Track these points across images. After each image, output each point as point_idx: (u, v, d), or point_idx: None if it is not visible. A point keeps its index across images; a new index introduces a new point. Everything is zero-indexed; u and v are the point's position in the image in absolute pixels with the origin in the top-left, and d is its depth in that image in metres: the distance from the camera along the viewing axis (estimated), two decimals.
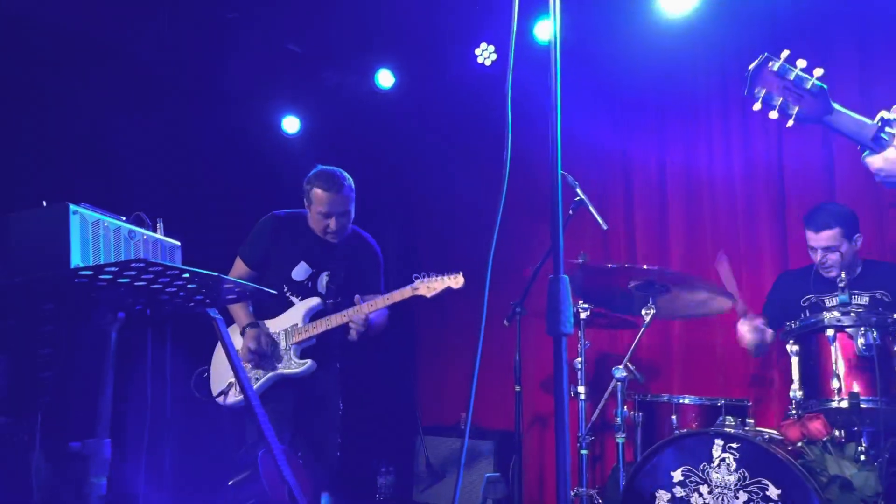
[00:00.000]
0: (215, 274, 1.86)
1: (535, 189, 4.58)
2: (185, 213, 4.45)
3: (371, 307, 3.13)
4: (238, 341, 3.27)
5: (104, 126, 4.19)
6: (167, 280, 1.86)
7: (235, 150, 4.92)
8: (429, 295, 3.16)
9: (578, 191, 3.21)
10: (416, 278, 3.19)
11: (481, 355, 1.63)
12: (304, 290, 3.30)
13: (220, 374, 3.29)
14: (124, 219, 2.06)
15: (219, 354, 3.32)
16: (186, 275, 1.85)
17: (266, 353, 3.21)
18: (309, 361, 3.22)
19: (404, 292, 3.16)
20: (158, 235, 2.13)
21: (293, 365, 3.21)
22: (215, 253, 3.45)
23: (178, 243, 2.19)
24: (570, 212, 3.29)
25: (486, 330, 1.76)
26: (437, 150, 5.31)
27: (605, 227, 3.19)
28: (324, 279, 3.30)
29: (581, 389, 3.30)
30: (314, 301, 3.26)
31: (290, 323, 3.25)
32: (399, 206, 5.47)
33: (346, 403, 3.44)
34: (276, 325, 3.28)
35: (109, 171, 4.14)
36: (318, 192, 3.17)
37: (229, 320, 3.36)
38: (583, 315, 3.38)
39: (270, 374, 3.22)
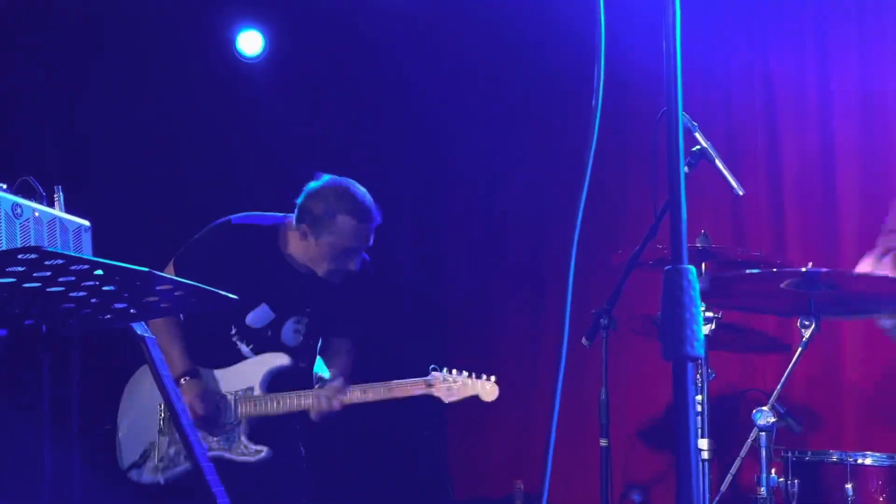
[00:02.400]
0: (145, 270, 1.84)
1: (619, 141, 4.56)
2: (97, 179, 4.52)
3: (364, 395, 3.34)
4: (150, 387, 3.28)
5: None
6: (72, 280, 1.85)
7: (170, 81, 4.95)
8: (447, 400, 3.40)
9: (699, 136, 3.17)
10: (434, 371, 3.39)
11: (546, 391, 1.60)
12: (261, 341, 3.43)
13: (136, 429, 3.35)
14: (4, 186, 2.06)
15: (132, 397, 3.37)
16: (100, 271, 1.83)
17: (216, 422, 3.34)
18: (264, 450, 3.36)
19: (413, 387, 3.37)
20: (57, 212, 2.13)
21: (242, 448, 3.35)
22: (144, 238, 3.46)
23: (88, 224, 2.20)
24: (686, 168, 3.26)
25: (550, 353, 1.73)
26: (454, 81, 5.33)
27: (739, 193, 3.15)
28: (291, 328, 3.46)
29: (703, 444, 3.28)
30: (279, 360, 3.40)
31: (243, 384, 3.38)
32: (405, 168, 5.49)
33: (340, 480, 3.49)
34: (224, 381, 3.39)
35: None
36: (346, 221, 3.29)
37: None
38: (705, 329, 3.35)
39: (211, 452, 3.34)
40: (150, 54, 4.88)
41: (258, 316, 3.41)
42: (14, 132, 4.21)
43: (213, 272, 3.24)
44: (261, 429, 3.38)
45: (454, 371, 3.44)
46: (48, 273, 1.80)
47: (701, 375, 3.37)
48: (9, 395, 2.10)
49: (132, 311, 2.15)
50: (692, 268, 1.50)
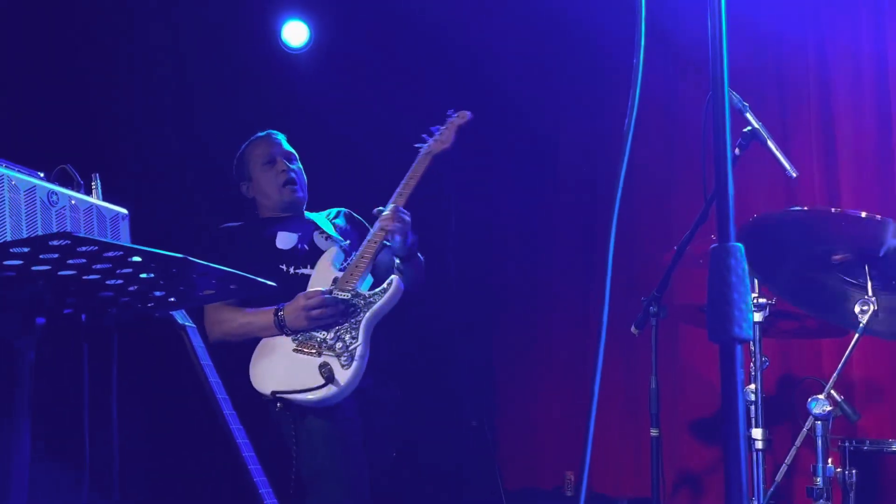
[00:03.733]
0: (181, 256, 1.83)
1: (664, 127, 4.50)
2: (136, 167, 4.55)
3: (401, 197, 3.49)
4: (271, 352, 3.32)
5: (5, 28, 4.27)
6: (108, 267, 1.84)
7: (212, 72, 4.97)
8: (449, 144, 3.64)
9: (750, 117, 3.12)
10: (419, 146, 3.65)
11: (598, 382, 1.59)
12: (305, 255, 3.54)
13: (294, 363, 3.31)
14: (42, 175, 2.06)
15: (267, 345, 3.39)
16: (138, 258, 1.83)
17: (336, 302, 3.32)
18: (393, 279, 3.36)
19: (421, 163, 3.59)
20: (94, 199, 2.13)
21: (375, 297, 3.34)
22: (183, 226, 3.47)
23: (125, 212, 2.19)
24: (737, 150, 3.20)
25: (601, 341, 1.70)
26: (509, 68, 5.29)
27: (793, 175, 3.09)
28: (319, 237, 3.64)
29: (757, 433, 3.27)
30: (333, 250, 3.54)
31: (328, 282, 3.41)
32: (455, 161, 5.46)
33: (391, 468, 3.46)
34: (314, 286, 3.44)
35: (17, 102, 4.21)
36: (249, 149, 3.72)
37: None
38: (757, 315, 3.30)
39: (362, 325, 3.30)
40: (191, 44, 4.90)
41: (284, 239, 3.57)
42: (53, 119, 4.24)
43: (229, 259, 3.41)
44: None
45: (432, 130, 3.70)
46: (83, 260, 1.80)
47: (755, 363, 3.35)
48: (49, 385, 2.10)
49: (171, 299, 2.14)
50: (740, 245, 1.47)
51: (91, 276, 1.88)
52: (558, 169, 5.46)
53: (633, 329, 3.51)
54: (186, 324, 2.34)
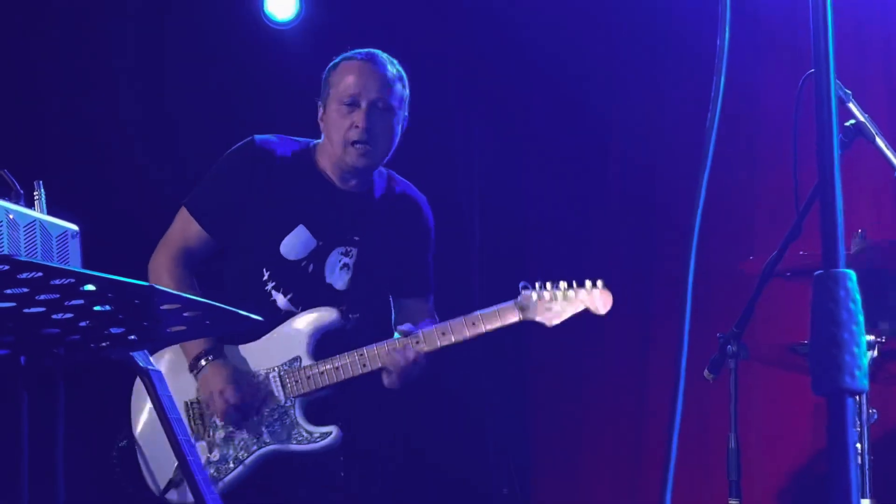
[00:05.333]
0: (146, 284, 1.84)
1: (751, 112, 4.49)
2: (89, 172, 4.55)
3: (444, 336, 3.29)
4: (186, 387, 3.35)
5: None
6: (55, 298, 1.85)
7: (183, 49, 5.02)
8: (550, 324, 3.31)
9: (854, 108, 3.11)
10: (525, 289, 3.31)
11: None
12: (301, 284, 3.42)
13: (163, 438, 3.33)
14: None
15: (145, 399, 3.32)
16: (90, 286, 1.82)
17: (258, 410, 3.32)
18: (333, 431, 3.31)
19: (504, 314, 3.30)
20: (38, 213, 2.14)
21: (301, 436, 3.32)
22: (146, 246, 3.48)
23: (76, 228, 2.21)
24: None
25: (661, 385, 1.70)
26: (516, 47, 5.31)
27: None
28: (337, 261, 3.47)
29: None
30: (326, 315, 3.38)
31: (285, 355, 3.35)
32: (458, 144, 5.47)
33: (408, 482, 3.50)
34: (259, 357, 3.37)
35: None
36: (339, 71, 3.48)
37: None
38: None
39: (265, 447, 3.33)
40: (158, 16, 4.93)
41: (295, 242, 3.43)
42: None
43: (241, 198, 3.43)
44: (323, 406, 3.38)
45: (549, 284, 3.36)
46: (24, 290, 1.80)
47: (860, 417, 3.31)
48: None
49: (131, 336, 2.16)
50: (851, 272, 1.46)
51: (33, 309, 1.90)
52: (608, 171, 5.45)
53: (706, 373, 3.50)
54: (150, 368, 2.35)
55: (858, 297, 1.46)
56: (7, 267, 1.70)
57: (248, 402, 3.30)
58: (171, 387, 3.12)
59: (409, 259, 3.58)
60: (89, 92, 4.72)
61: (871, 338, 3.40)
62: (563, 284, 3.35)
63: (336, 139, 3.43)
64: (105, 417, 3.67)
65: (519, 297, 3.32)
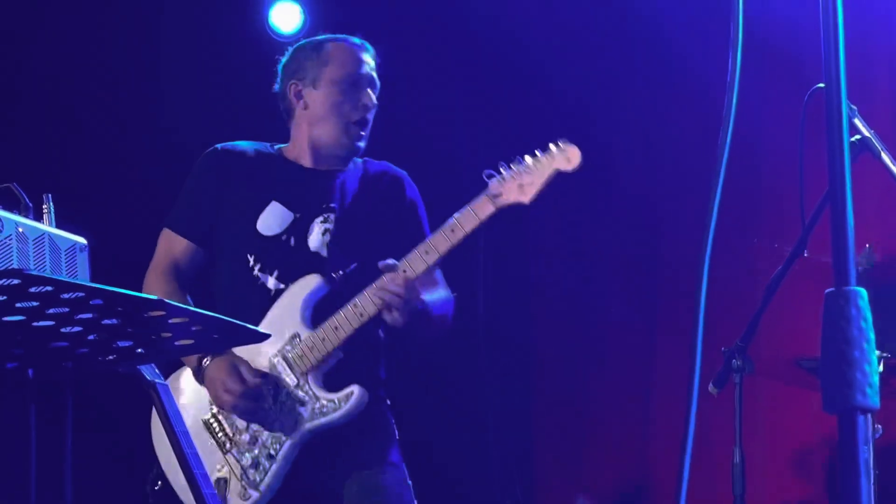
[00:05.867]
0: (155, 298, 1.84)
1: (756, 121, 4.49)
2: (97, 186, 4.56)
3: (427, 255, 3.18)
4: (186, 402, 3.25)
5: None
6: (64, 311, 1.84)
7: (188, 63, 5.03)
8: (528, 199, 3.18)
9: (859, 123, 3.12)
10: (491, 176, 3.19)
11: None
12: (285, 258, 3.34)
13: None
14: None
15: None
16: (99, 300, 1.82)
17: (263, 392, 3.18)
18: (354, 389, 3.18)
19: (479, 209, 3.17)
20: (46, 226, 2.15)
21: (324, 407, 3.18)
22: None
23: (84, 241, 2.21)
24: None
25: (668, 403, 1.69)
26: (520, 58, 5.29)
27: None
28: (320, 230, 3.39)
29: None
30: (312, 281, 3.29)
31: (283, 335, 3.24)
32: (463, 156, 5.48)
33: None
34: (259, 347, 3.22)
35: None
36: (331, 50, 3.43)
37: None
38: None
39: (295, 434, 3.18)
40: (163, 31, 4.95)
41: (271, 218, 3.37)
42: None
43: (211, 205, 3.40)
44: (338, 372, 3.24)
45: (513, 163, 3.21)
46: (34, 303, 1.79)
47: (867, 430, 3.32)
48: None
49: (139, 350, 2.15)
50: (862, 291, 1.47)
51: (43, 323, 1.88)
52: (612, 178, 5.45)
53: (710, 388, 3.51)
54: (157, 381, 2.35)
55: (869, 315, 1.47)
56: (18, 281, 1.70)
57: (256, 386, 3.16)
58: (183, 412, 2.98)
59: (400, 230, 3.44)
60: (97, 106, 4.73)
61: (877, 353, 3.41)
62: (526, 158, 3.20)
63: (334, 118, 3.36)
64: (115, 428, 3.67)
65: (487, 187, 3.19)
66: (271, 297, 3.32)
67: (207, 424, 3.24)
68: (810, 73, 1.65)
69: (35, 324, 1.89)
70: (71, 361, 2.11)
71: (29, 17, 4.58)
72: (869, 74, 4.52)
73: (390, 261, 3.18)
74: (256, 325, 3.20)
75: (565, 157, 3.15)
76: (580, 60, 5.34)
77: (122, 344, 2.08)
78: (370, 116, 3.41)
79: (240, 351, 3.24)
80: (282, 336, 3.23)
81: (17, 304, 1.79)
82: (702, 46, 4.61)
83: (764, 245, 3.40)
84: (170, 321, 2.01)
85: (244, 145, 3.51)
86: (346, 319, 3.18)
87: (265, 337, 2.11)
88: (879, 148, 3.15)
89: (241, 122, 5.04)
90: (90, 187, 4.52)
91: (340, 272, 3.33)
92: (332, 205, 3.40)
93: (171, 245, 3.43)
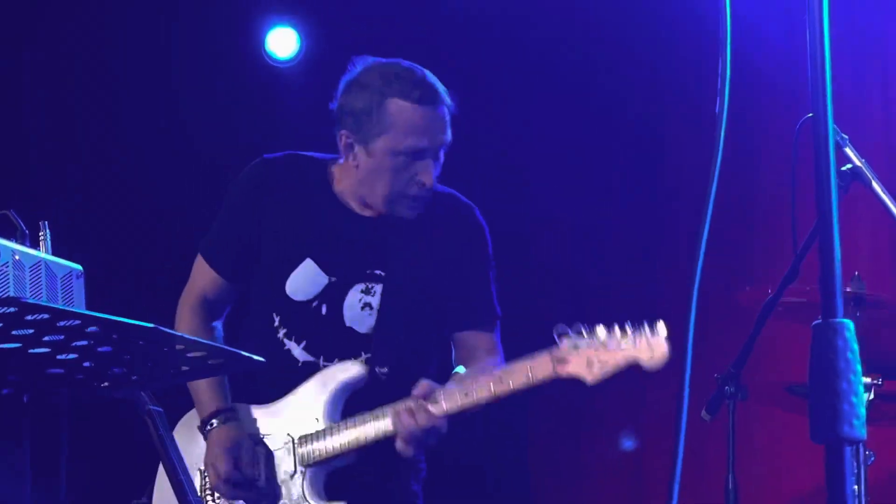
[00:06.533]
0: (151, 326, 1.84)
1: (748, 154, 4.51)
2: (93, 212, 4.56)
3: (464, 397, 2.85)
4: (195, 448, 3.10)
5: None
6: (60, 339, 1.85)
7: (185, 89, 5.05)
8: (592, 380, 2.82)
9: (850, 152, 3.13)
10: (563, 335, 2.83)
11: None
12: (315, 328, 3.06)
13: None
14: None
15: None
16: (94, 327, 1.83)
17: (254, 483, 2.98)
18: None
19: (536, 368, 2.83)
20: (43, 253, 2.15)
21: None
22: (150, 285, 3.48)
23: (80, 268, 2.20)
24: None
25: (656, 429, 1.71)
26: (513, 82, 5.32)
27: None
28: (357, 300, 3.06)
29: None
30: (350, 372, 2.99)
31: (303, 418, 3.00)
32: (461, 179, 5.47)
33: None
34: (277, 420, 3.03)
35: None
36: (402, 105, 2.92)
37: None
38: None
39: None
40: (162, 55, 4.96)
41: (301, 280, 3.05)
42: None
43: (245, 241, 3.10)
44: (335, 476, 3.02)
45: (598, 329, 2.84)
46: (30, 331, 1.80)
47: (857, 459, 3.32)
48: None
49: (134, 377, 2.15)
50: (849, 322, 1.48)
51: (39, 350, 1.89)
52: (605, 212, 5.47)
53: (703, 414, 3.50)
54: (152, 407, 2.34)
55: (856, 346, 1.48)
56: (14, 309, 1.71)
57: (246, 474, 2.97)
58: (186, 452, 2.87)
59: (460, 282, 3.11)
60: (94, 133, 4.74)
61: (868, 380, 3.41)
62: (605, 333, 2.84)
63: (389, 190, 2.97)
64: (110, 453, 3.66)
65: (555, 347, 2.85)
66: (298, 368, 3.07)
67: (202, 475, 3.08)
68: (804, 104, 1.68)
69: (31, 351, 1.89)
70: (66, 388, 2.12)
71: (27, 46, 4.59)
72: (861, 103, 4.54)
73: (428, 386, 2.87)
74: (281, 392, 3.07)
75: (650, 350, 2.78)
76: (579, 61, 5.35)
77: (117, 371, 2.08)
78: (430, 190, 2.99)
79: (252, 422, 3.05)
80: (302, 418, 3.01)
81: (14, 332, 1.80)
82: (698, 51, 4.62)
83: (756, 290, 3.40)
84: (165, 349, 2.02)
85: (291, 162, 3.16)
86: (365, 431, 2.93)
87: (260, 364, 2.10)
88: (870, 177, 3.15)
89: (239, 147, 5.06)
90: (88, 214, 4.52)
91: (386, 368, 3.05)
92: (378, 271, 3.07)
93: (203, 274, 3.17)
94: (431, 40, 5.35)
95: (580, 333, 2.85)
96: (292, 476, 3.00)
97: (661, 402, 4.93)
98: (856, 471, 3.37)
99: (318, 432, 2.99)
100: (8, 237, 2.12)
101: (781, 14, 4.31)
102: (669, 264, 5.03)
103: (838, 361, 1.46)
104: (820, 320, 1.48)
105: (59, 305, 1.87)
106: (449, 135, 3.00)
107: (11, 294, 2.03)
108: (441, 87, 3.00)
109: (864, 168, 3.15)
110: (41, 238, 2.21)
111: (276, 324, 3.09)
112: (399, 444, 2.89)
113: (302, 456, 3.00)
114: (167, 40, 5.03)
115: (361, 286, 3.07)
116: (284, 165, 3.15)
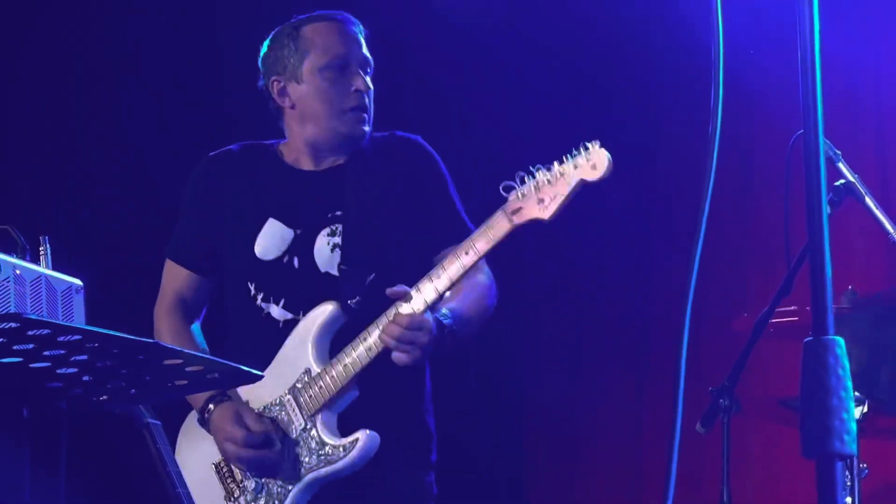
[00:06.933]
0: (151, 341, 1.86)
1: (742, 171, 4.53)
2: (93, 226, 4.56)
3: (440, 279, 2.82)
4: (204, 444, 3.04)
5: None
6: (60, 353, 1.86)
7: (181, 97, 5.05)
8: (548, 216, 2.78)
9: (844, 167, 3.14)
10: (509, 188, 2.81)
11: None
12: (287, 280, 3.07)
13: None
14: None
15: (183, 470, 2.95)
16: (95, 343, 1.84)
17: (272, 441, 2.96)
18: (359, 436, 2.90)
19: (496, 226, 2.81)
20: (43, 268, 2.17)
21: (328, 455, 2.89)
22: (148, 300, 3.49)
23: (80, 283, 2.22)
24: (828, 208, 3.22)
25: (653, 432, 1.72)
26: (511, 89, 5.30)
27: None
28: (327, 245, 3.08)
29: None
30: (326, 310, 2.99)
31: (295, 372, 2.98)
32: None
33: None
34: (272, 386, 2.98)
35: None
36: (309, 34, 3.07)
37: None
38: (856, 413, 3.30)
39: (300, 482, 2.95)
40: (161, 67, 4.97)
41: (269, 238, 3.09)
42: None
43: (206, 228, 3.17)
44: (353, 411, 2.97)
45: (534, 171, 2.80)
46: (32, 346, 1.81)
47: (851, 472, 3.32)
48: None
49: (132, 391, 2.16)
50: (839, 339, 1.50)
51: (39, 364, 1.90)
52: (600, 218, 5.47)
53: (698, 427, 3.50)
54: (150, 420, 2.36)
55: (847, 362, 1.50)
56: (17, 325, 1.73)
57: (262, 436, 2.94)
58: (196, 453, 2.98)
59: (423, 206, 3.13)
60: (91, 146, 4.74)
61: (860, 393, 3.42)
62: (547, 167, 2.79)
63: (329, 109, 3.04)
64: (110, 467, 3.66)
65: (506, 202, 2.83)
66: (280, 329, 3.07)
67: (218, 468, 3.05)
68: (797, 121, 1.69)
69: (31, 365, 1.90)
70: (65, 401, 2.12)
71: (23, 60, 4.60)
72: (854, 119, 4.56)
73: (398, 287, 2.85)
74: (268, 359, 3.03)
75: (590, 164, 2.72)
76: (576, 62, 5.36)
77: (116, 385, 2.08)
78: (368, 101, 3.07)
79: (248, 389, 3.00)
80: (294, 372, 2.98)
81: (15, 347, 1.82)
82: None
83: (752, 318, 3.41)
84: (164, 363, 2.03)
85: (236, 150, 3.24)
86: (356, 355, 2.90)
87: (260, 378, 2.11)
88: (863, 192, 3.16)
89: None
90: (87, 228, 4.52)
91: (357, 298, 3.03)
92: (338, 213, 3.10)
93: (174, 276, 3.22)
94: (425, 46, 5.36)
95: (522, 180, 2.82)
96: (304, 429, 2.96)
97: (658, 404, 4.95)
98: (850, 483, 3.37)
99: (313, 379, 2.96)
100: (9, 252, 2.14)
101: (774, 30, 4.33)
102: (665, 277, 5.04)
103: (829, 378, 1.47)
104: (811, 337, 1.50)
105: (60, 321, 1.88)
106: (368, 53, 3.10)
107: (12, 308, 2.04)
108: (350, 16, 3.14)
109: (857, 183, 3.15)
110: (41, 253, 2.22)
111: (253, 292, 3.10)
112: (395, 356, 2.85)
113: (305, 407, 2.97)
114: (167, 52, 5.02)
115: (327, 230, 3.09)
116: (229, 154, 3.23)
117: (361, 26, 3.15)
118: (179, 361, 2.04)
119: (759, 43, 4.08)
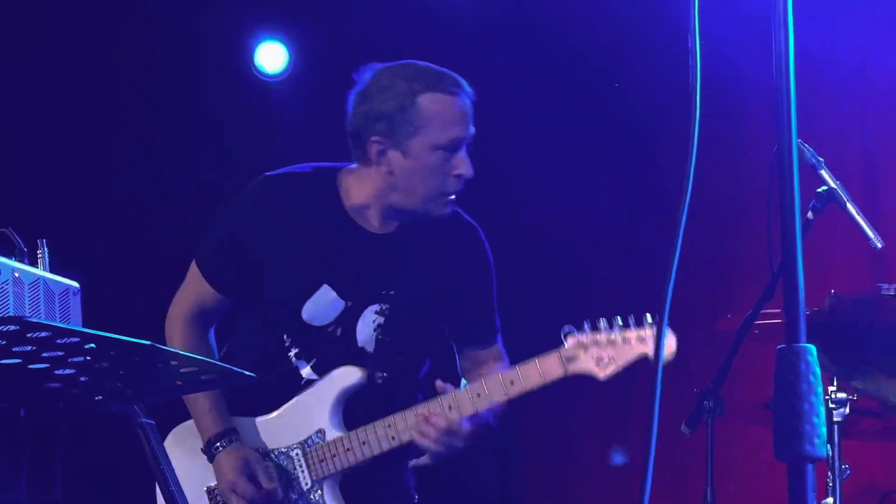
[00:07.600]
0: (147, 343, 1.88)
1: (727, 178, 4.54)
2: (90, 229, 4.57)
3: (476, 399, 2.84)
4: (193, 463, 3.03)
5: None
6: (59, 355, 1.88)
7: (173, 105, 5.07)
8: (603, 376, 2.83)
9: (826, 174, 3.17)
10: (570, 335, 2.84)
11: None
12: (324, 346, 3.02)
13: None
14: None
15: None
16: (92, 344, 1.86)
17: (274, 498, 2.93)
18: None
19: (546, 367, 2.82)
20: (41, 271, 2.18)
21: None
22: (144, 301, 3.49)
23: (77, 285, 2.23)
24: (809, 215, 3.26)
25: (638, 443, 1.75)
26: (504, 98, 5.32)
27: (878, 245, 3.14)
28: (372, 322, 3.02)
29: None
30: (352, 376, 2.96)
31: (308, 428, 2.96)
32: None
33: None
34: (279, 432, 2.99)
35: None
36: (435, 98, 2.86)
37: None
38: (836, 416, 3.33)
39: None
40: (149, 72, 4.98)
41: (319, 306, 3.00)
42: None
43: (248, 260, 3.03)
44: (355, 484, 2.99)
45: (600, 323, 2.85)
46: (30, 347, 1.83)
47: (832, 472, 3.36)
48: None
49: (128, 391, 2.16)
50: (811, 347, 1.53)
51: (37, 366, 1.92)
52: (587, 233, 5.48)
53: (683, 428, 3.51)
54: (144, 420, 2.37)
55: (818, 369, 1.52)
56: (17, 327, 1.74)
57: (267, 493, 2.93)
58: (189, 471, 2.90)
59: (466, 302, 3.09)
60: (88, 150, 4.74)
61: (843, 395, 3.44)
62: (614, 327, 2.86)
63: (428, 189, 2.91)
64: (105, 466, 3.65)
65: (563, 346, 2.86)
66: (301, 385, 3.05)
67: (211, 495, 3.04)
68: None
69: (30, 366, 1.91)
70: (63, 402, 2.13)
71: (22, 63, 4.61)
72: (838, 125, 4.57)
73: (447, 385, 2.88)
74: (278, 406, 3.05)
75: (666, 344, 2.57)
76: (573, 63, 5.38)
77: (112, 385, 2.09)
78: (462, 185, 2.96)
79: (254, 436, 3.01)
80: (307, 428, 2.98)
81: (15, 349, 1.83)
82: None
83: (736, 319, 3.42)
84: (160, 365, 2.05)
85: (299, 176, 3.06)
86: (377, 439, 2.91)
87: (252, 380, 2.14)
88: (845, 199, 3.17)
89: (231, 162, 5.08)
90: (84, 231, 4.52)
91: (384, 374, 3.04)
92: (391, 292, 3.03)
93: (198, 285, 3.09)
94: (420, 52, 5.38)
95: (585, 332, 2.87)
96: (310, 489, 2.96)
97: (647, 406, 4.96)
98: (832, 483, 3.41)
99: (327, 445, 2.96)
100: (7, 255, 2.14)
101: (765, 36, 4.35)
102: (657, 279, 5.05)
103: (801, 384, 1.50)
104: (784, 345, 1.53)
105: (56, 322, 1.90)
106: (473, 126, 2.96)
107: (11, 310, 2.04)
108: (459, 77, 2.97)
109: (839, 190, 3.17)
110: (39, 256, 2.22)
111: (288, 344, 3.05)
112: (423, 447, 2.90)
113: (314, 469, 2.97)
114: (156, 57, 5.04)
115: (376, 307, 3.03)
116: (288, 184, 3.05)
117: (470, 90, 2.97)
118: (175, 363, 2.07)
119: (747, 47, 4.10)
